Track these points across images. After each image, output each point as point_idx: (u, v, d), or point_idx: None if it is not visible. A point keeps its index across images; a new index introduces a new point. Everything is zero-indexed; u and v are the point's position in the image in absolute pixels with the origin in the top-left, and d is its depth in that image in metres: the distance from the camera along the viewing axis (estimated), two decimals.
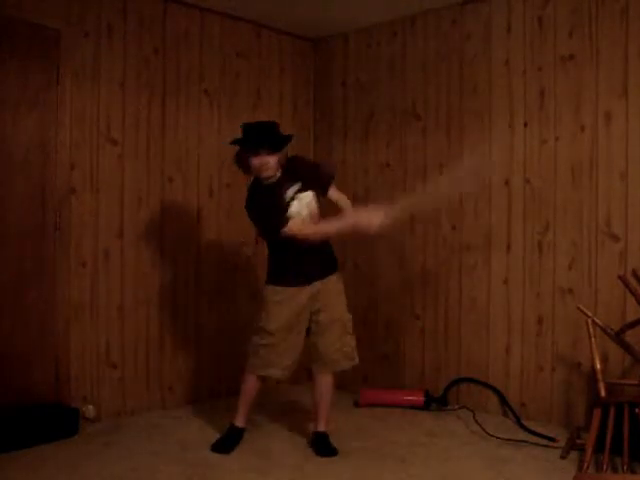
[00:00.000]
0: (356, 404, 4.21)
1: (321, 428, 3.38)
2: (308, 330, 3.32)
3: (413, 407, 4.10)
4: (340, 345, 3.33)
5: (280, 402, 4.21)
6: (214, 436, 3.52)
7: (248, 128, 3.21)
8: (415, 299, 4.36)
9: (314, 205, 3.26)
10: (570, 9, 3.67)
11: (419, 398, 4.09)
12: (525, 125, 3.86)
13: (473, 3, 4.06)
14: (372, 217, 3.07)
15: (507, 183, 3.94)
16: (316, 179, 3.28)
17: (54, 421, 3.42)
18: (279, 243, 3.21)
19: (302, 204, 3.19)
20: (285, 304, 3.23)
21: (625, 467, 2.85)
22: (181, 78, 4.12)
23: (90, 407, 3.70)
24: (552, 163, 3.76)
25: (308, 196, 3.23)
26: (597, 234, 3.60)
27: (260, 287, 4.52)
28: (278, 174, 3.21)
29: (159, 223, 4.04)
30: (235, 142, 3.21)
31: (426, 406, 4.08)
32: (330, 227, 3.20)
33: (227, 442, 3.34)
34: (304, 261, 3.22)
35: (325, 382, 3.36)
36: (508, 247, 3.94)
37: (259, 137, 3.15)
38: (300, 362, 3.36)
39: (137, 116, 3.92)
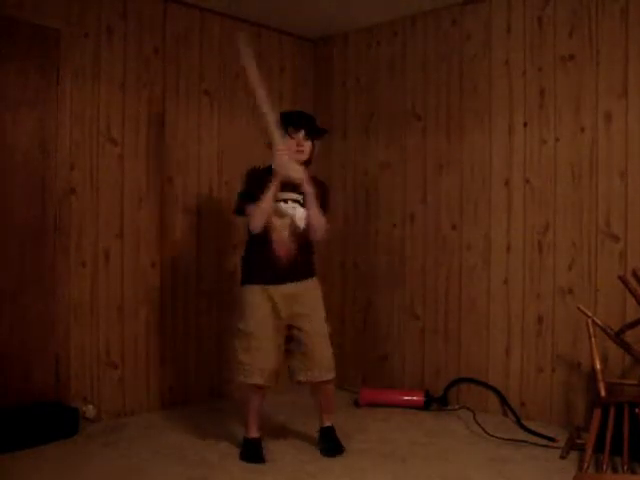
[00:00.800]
0: (356, 404, 4.21)
1: (327, 422, 3.34)
2: (289, 339, 3.24)
3: (413, 407, 4.10)
4: (327, 354, 3.24)
5: (279, 402, 4.21)
6: (214, 436, 3.53)
7: (290, 112, 3.31)
8: (415, 299, 4.36)
9: (300, 224, 3.19)
10: (570, 9, 3.67)
11: (419, 398, 4.09)
12: (525, 125, 3.86)
13: (473, 3, 4.06)
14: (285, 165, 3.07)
15: (507, 183, 3.94)
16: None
17: (54, 421, 3.42)
18: (257, 238, 3.14)
19: (295, 211, 3.17)
20: (261, 304, 3.15)
21: (625, 467, 2.84)
22: (181, 78, 4.12)
23: (90, 407, 3.70)
24: (552, 163, 3.76)
25: (301, 212, 3.18)
26: (597, 234, 3.60)
27: None
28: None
29: (159, 223, 4.04)
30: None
31: (426, 406, 4.08)
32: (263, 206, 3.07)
33: (253, 452, 3.20)
34: (276, 260, 3.12)
35: (325, 389, 3.30)
36: (508, 247, 3.94)
37: (301, 119, 3.20)
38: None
39: (137, 116, 3.92)
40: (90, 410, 3.69)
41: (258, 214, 3.08)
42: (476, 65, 4.07)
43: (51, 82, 3.56)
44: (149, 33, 3.96)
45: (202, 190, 4.25)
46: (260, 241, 3.15)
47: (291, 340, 3.25)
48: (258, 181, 3.12)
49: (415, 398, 4.10)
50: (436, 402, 4.11)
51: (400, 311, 4.43)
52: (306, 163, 3.24)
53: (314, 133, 3.25)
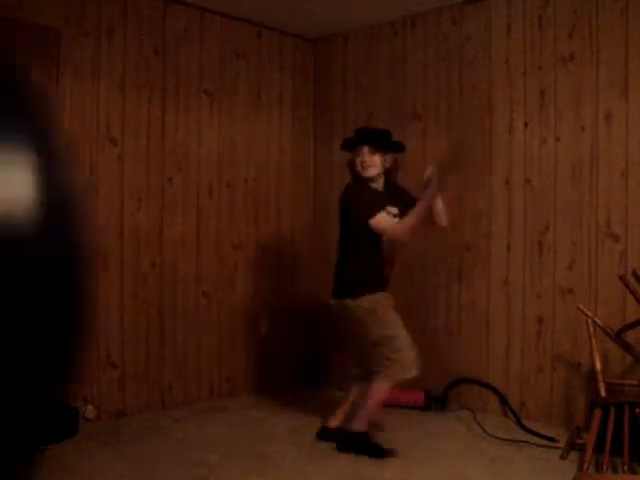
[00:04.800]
0: None
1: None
2: None
3: (413, 407, 4.10)
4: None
5: (281, 401, 4.21)
6: (214, 436, 3.53)
7: (357, 130, 3.49)
8: (415, 299, 4.35)
9: None
10: (570, 9, 3.67)
11: (419, 398, 4.09)
12: (525, 125, 3.86)
13: (473, 3, 4.06)
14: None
15: (507, 183, 3.94)
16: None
17: (54, 421, 3.41)
18: (372, 247, 3.32)
19: None
20: (390, 305, 3.40)
21: (625, 467, 2.84)
22: (181, 78, 4.12)
23: (90, 407, 3.70)
24: (552, 163, 3.76)
25: None
26: (597, 234, 3.60)
27: (257, 288, 4.57)
28: (381, 182, 3.36)
29: (159, 223, 4.04)
30: (344, 142, 3.46)
31: (426, 406, 4.08)
32: (412, 217, 3.22)
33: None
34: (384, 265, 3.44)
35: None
36: (508, 247, 3.94)
37: (361, 136, 3.35)
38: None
39: (137, 116, 3.92)
40: (90, 410, 3.69)
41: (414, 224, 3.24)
42: (476, 65, 4.07)
43: (51, 82, 3.56)
44: (149, 33, 3.96)
45: (202, 190, 4.25)
46: (375, 252, 3.35)
47: None
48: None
49: (415, 398, 4.10)
50: (436, 402, 4.11)
51: (400, 311, 4.42)
52: (386, 175, 3.37)
53: (376, 144, 3.32)
